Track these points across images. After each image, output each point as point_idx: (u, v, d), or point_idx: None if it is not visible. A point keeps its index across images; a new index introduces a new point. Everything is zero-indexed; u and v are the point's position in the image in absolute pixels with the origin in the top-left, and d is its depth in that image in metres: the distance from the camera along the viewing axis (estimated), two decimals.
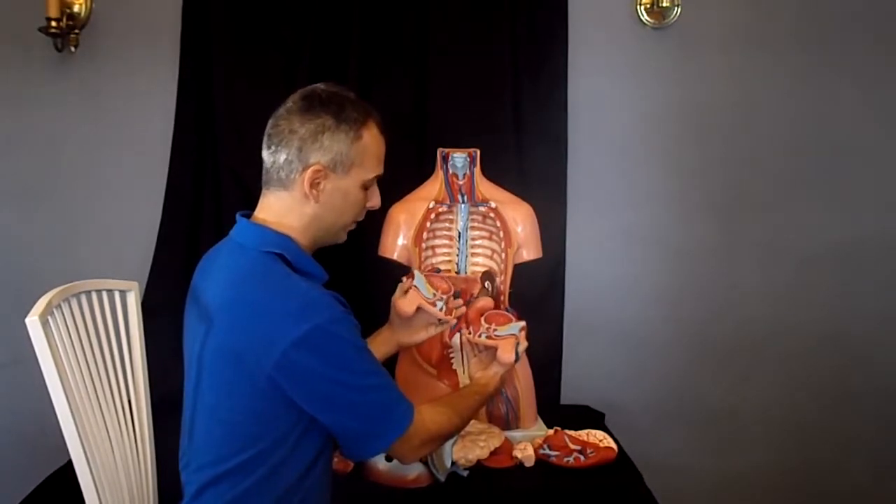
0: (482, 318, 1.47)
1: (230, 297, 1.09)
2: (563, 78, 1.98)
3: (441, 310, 1.39)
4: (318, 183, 1.14)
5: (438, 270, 1.56)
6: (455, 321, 1.46)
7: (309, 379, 1.05)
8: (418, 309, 1.39)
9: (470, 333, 1.44)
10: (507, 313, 1.51)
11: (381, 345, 1.43)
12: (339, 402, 1.07)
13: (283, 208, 1.16)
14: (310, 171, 1.13)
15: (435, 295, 1.40)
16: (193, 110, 1.97)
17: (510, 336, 1.39)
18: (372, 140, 1.17)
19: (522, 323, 1.43)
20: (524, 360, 1.67)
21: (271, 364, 1.03)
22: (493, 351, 1.38)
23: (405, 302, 1.39)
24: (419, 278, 1.42)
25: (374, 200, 1.23)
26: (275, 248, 1.11)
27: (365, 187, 1.19)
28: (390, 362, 1.65)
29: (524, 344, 1.40)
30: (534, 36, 1.97)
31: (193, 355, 1.13)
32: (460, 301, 1.47)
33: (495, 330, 1.41)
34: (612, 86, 2.04)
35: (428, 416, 1.15)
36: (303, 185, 1.13)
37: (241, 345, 1.05)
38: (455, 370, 1.66)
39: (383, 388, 1.11)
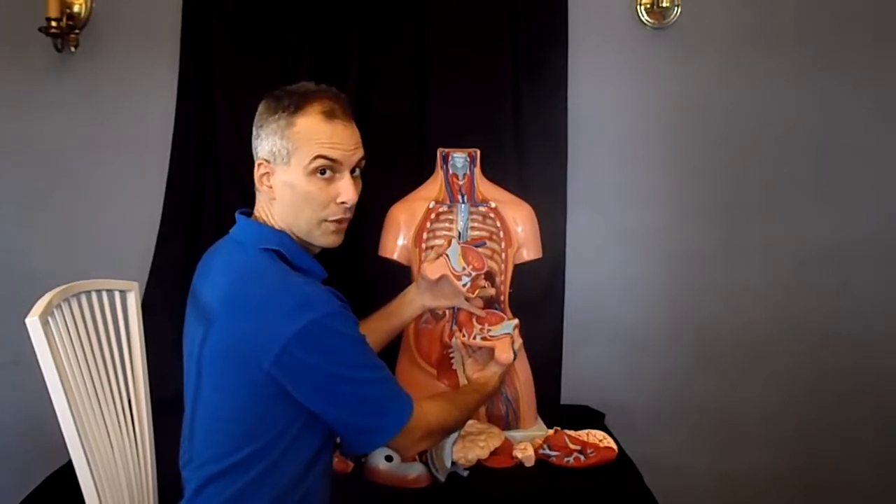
0: (474, 320, 1.45)
1: (228, 296, 1.09)
2: (562, 78, 1.98)
3: (465, 286, 1.36)
4: (266, 176, 1.14)
5: (483, 244, 1.53)
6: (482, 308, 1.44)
7: (308, 374, 1.05)
8: (443, 277, 1.37)
9: (464, 336, 1.42)
10: (497, 312, 1.49)
11: (406, 305, 1.43)
12: (338, 397, 1.07)
13: (266, 208, 1.17)
14: (256, 166, 1.15)
15: (464, 269, 1.36)
16: (193, 110, 1.97)
17: (505, 335, 1.38)
18: (310, 124, 1.11)
19: (515, 321, 1.42)
20: (524, 360, 1.67)
21: (270, 360, 1.03)
22: (489, 351, 1.37)
23: (432, 267, 1.37)
24: (454, 247, 1.38)
25: (344, 193, 1.12)
26: (272, 245, 1.12)
27: (310, 174, 1.11)
28: (391, 362, 1.66)
29: (519, 341, 1.39)
30: (534, 36, 1.97)
31: (193, 354, 1.13)
32: (486, 284, 1.44)
33: (489, 330, 1.40)
34: (612, 86, 2.04)
35: (428, 409, 1.15)
36: (260, 183, 1.15)
37: (240, 342, 1.05)
38: (455, 370, 1.65)
39: (382, 382, 1.11)
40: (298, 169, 1.11)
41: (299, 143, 1.11)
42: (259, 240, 1.13)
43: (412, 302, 1.43)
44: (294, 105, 1.11)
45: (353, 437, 1.11)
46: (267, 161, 1.14)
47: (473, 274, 1.36)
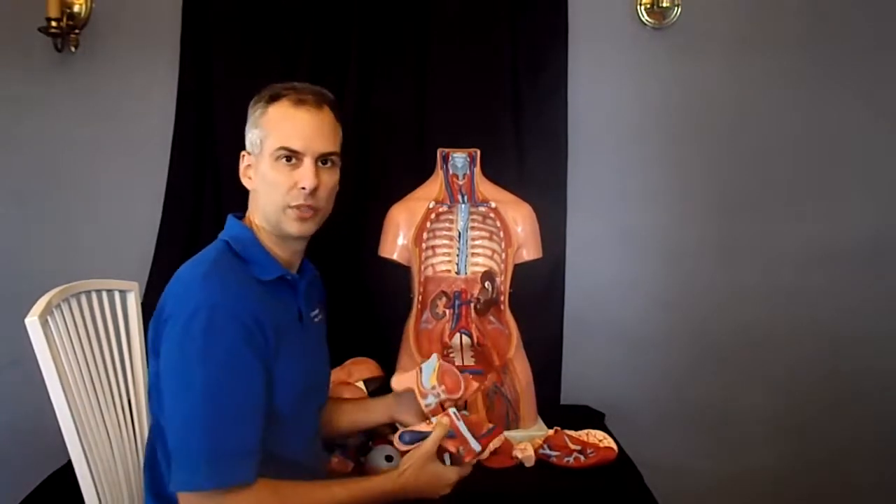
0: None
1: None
2: (563, 78, 1.98)
3: (428, 405, 1.21)
4: (249, 168, 1.17)
5: (479, 372, 1.40)
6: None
7: (165, 359, 1.04)
8: (409, 390, 1.25)
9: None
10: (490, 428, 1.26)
11: (380, 408, 1.34)
12: (171, 397, 1.02)
13: (250, 202, 1.19)
14: (240, 157, 1.18)
15: (433, 388, 1.21)
16: (193, 110, 1.97)
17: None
18: (278, 113, 1.13)
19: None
20: (524, 360, 1.67)
21: (159, 324, 1.07)
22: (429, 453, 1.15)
23: (399, 378, 1.28)
24: (432, 362, 1.26)
25: (302, 180, 1.11)
26: (226, 236, 1.15)
27: (275, 159, 1.12)
28: (391, 362, 1.66)
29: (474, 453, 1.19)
30: (534, 36, 1.97)
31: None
32: (457, 409, 1.23)
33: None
34: (612, 86, 2.04)
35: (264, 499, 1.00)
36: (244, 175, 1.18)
37: (159, 311, 1.09)
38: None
39: (220, 422, 0.98)
40: (267, 156, 1.13)
41: (269, 130, 1.13)
42: (224, 233, 1.16)
43: (388, 407, 1.33)
44: (270, 95, 1.15)
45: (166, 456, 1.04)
46: (249, 153, 1.17)
47: (443, 396, 1.21)
